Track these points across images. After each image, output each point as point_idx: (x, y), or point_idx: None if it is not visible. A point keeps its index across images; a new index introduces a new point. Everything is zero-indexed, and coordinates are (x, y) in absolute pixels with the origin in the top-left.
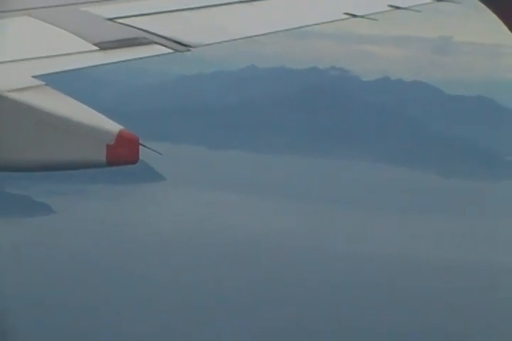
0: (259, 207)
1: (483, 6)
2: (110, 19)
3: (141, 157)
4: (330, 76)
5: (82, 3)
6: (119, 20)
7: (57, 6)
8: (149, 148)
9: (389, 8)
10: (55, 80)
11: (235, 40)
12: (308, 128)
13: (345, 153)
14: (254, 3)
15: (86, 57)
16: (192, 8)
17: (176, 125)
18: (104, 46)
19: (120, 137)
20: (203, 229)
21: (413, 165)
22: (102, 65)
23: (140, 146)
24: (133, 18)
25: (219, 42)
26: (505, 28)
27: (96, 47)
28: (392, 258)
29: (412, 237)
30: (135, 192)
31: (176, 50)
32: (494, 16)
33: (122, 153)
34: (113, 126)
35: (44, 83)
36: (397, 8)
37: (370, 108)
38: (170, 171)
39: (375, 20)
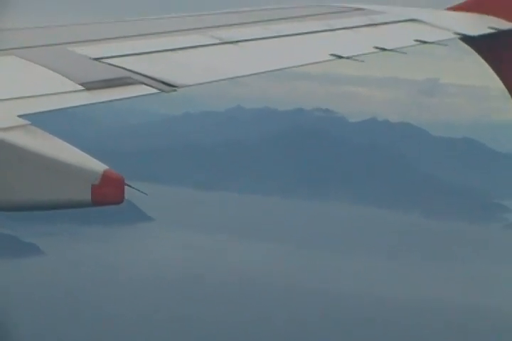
0: (248, 249)
1: (469, 48)
2: (96, 59)
3: (129, 198)
4: (315, 117)
5: (68, 42)
6: (105, 60)
7: (43, 45)
8: (135, 188)
9: (375, 50)
10: (41, 120)
11: (220, 80)
12: (295, 169)
13: (333, 195)
14: (240, 43)
15: (71, 97)
16: (177, 49)
17: (162, 165)
18: (89, 86)
19: (105, 177)
20: (193, 271)
21: (401, 207)
22: (87, 105)
23: (126, 186)
24: (119, 58)
25: (204, 83)
26: (491, 70)
27: (81, 87)
28: (379, 298)
29: (399, 278)
30: (124, 234)
31: (162, 91)
32: (480, 59)
33: (108, 193)
34: (98, 166)
35: (29, 123)
36: (383, 49)
37: (356, 149)
38: (158, 212)
39: (361, 61)
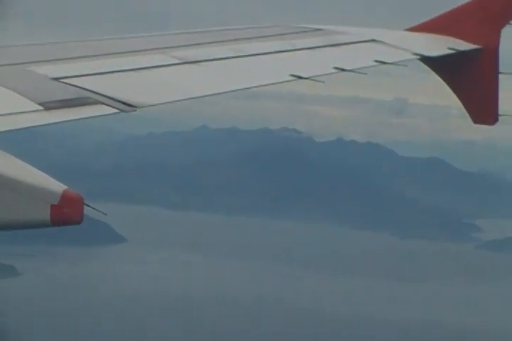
0: (223, 268)
1: (427, 68)
2: (55, 79)
3: (99, 218)
4: (282, 137)
5: (28, 62)
6: (65, 80)
7: (2, 65)
8: (94, 208)
9: (335, 70)
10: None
11: (181, 100)
12: (263, 189)
13: (302, 214)
14: (201, 63)
15: (30, 117)
16: (138, 69)
17: (129, 185)
18: (48, 106)
19: (64, 197)
20: (169, 290)
21: (371, 226)
22: (46, 124)
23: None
24: (78, 78)
25: (165, 103)
26: (448, 89)
27: (41, 107)
28: (359, 318)
29: (370, 297)
30: (98, 254)
31: (122, 110)
32: (438, 78)
33: (67, 213)
34: (57, 186)
35: None
36: (343, 70)
37: (325, 169)
38: (130, 232)
39: (321, 82)
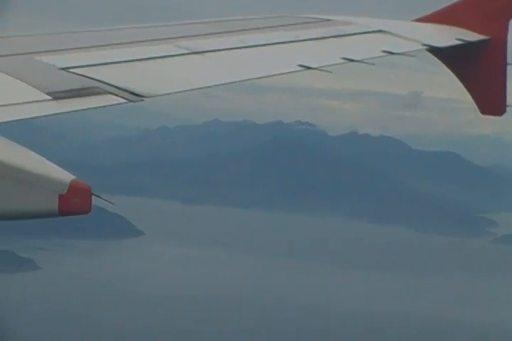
0: (239, 262)
1: (436, 59)
2: (63, 69)
3: (117, 211)
4: (296, 130)
5: (36, 52)
6: (73, 70)
7: (10, 55)
8: (102, 198)
9: (343, 61)
10: (10, 130)
11: (187, 90)
12: (278, 182)
13: (318, 208)
14: (207, 54)
15: (38, 106)
16: (145, 59)
17: (145, 179)
18: (57, 96)
19: (72, 187)
20: (185, 284)
21: (386, 220)
22: (54, 114)
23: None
24: (86, 68)
25: (172, 93)
26: (458, 81)
27: (49, 97)
28: (368, 311)
29: (387, 291)
30: (115, 248)
31: (129, 100)
32: (447, 70)
33: (74, 203)
34: (65, 176)
35: None
36: (351, 60)
37: (339, 163)
38: (148, 226)
39: (329, 72)
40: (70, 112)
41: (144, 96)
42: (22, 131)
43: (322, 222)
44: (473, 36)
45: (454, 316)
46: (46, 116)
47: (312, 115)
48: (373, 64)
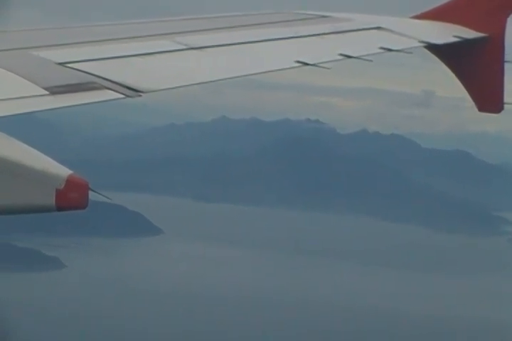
0: (253, 261)
1: (433, 56)
2: (61, 63)
3: (136, 209)
4: (305, 128)
5: (33, 47)
6: (70, 65)
7: (7, 49)
8: (100, 194)
9: (340, 57)
10: (7, 125)
11: (186, 86)
12: (291, 180)
13: (329, 206)
14: (205, 49)
15: (36, 101)
16: (143, 54)
17: (155, 176)
18: (54, 91)
19: (70, 182)
20: (202, 283)
21: (398, 218)
22: (52, 109)
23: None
24: (84, 63)
25: (170, 88)
26: (456, 79)
27: (46, 92)
28: (386, 312)
29: (400, 290)
30: (136, 246)
31: (127, 96)
32: (445, 67)
33: (72, 198)
34: (63, 171)
35: None
36: (349, 57)
37: (350, 161)
38: (167, 224)
39: (327, 68)
40: (67, 107)
41: (141, 92)
42: (32, 129)
43: (335, 220)
44: (471, 33)
45: (475, 314)
46: (43, 110)
47: (318, 113)
48: (371, 60)
